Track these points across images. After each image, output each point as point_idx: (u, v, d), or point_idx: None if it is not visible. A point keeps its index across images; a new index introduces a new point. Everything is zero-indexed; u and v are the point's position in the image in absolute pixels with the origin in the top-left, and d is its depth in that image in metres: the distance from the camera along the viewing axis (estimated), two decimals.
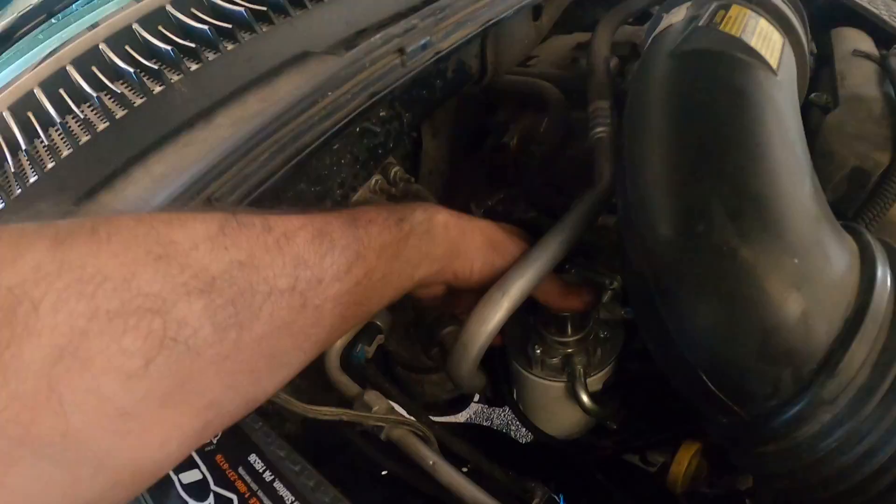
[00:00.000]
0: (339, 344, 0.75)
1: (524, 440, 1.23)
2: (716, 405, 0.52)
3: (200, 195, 0.59)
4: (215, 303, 0.39)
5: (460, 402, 1.25)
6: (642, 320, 0.54)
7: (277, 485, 0.50)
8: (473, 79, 0.87)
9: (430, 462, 0.62)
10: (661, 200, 0.50)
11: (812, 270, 0.48)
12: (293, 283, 0.45)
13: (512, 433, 2.08)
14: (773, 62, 0.59)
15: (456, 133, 1.01)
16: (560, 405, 0.76)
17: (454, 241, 0.61)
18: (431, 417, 1.16)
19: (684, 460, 0.60)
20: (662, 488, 0.82)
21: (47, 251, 0.34)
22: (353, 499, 0.57)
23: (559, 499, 1.12)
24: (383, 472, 0.80)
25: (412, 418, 0.66)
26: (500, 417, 2.35)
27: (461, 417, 1.67)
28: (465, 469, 0.80)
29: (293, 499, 0.49)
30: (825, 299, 0.48)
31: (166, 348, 0.36)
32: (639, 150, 0.54)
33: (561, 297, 0.69)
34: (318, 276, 0.47)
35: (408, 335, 0.87)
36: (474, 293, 0.62)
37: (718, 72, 0.56)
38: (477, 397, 1.26)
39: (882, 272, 0.50)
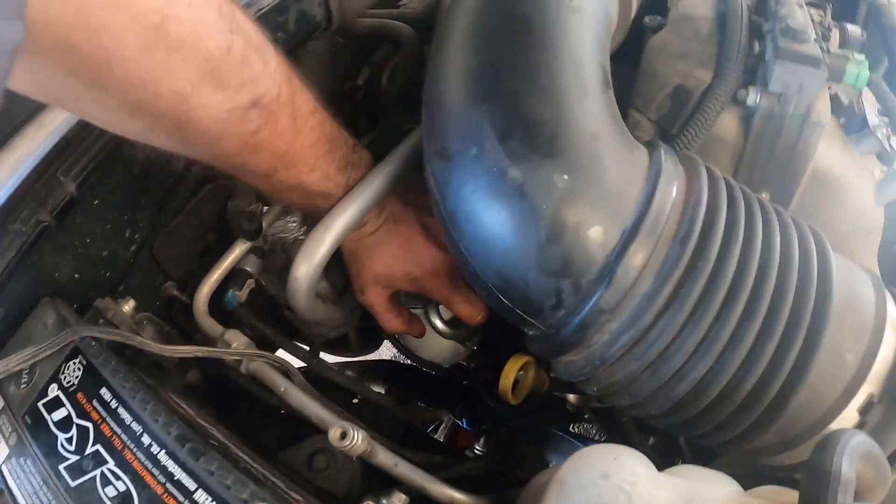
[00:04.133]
0: (207, 290, 0.77)
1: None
2: (516, 319, 0.55)
3: None
4: None
5: (372, 342, 1.29)
6: (447, 244, 0.56)
7: (121, 410, 0.58)
8: (321, 27, 0.86)
9: (282, 388, 0.65)
10: (444, 125, 0.53)
11: (584, 186, 0.51)
12: None
13: None
14: None
15: (334, 77, 1.01)
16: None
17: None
18: (356, 358, 1.20)
19: (511, 373, 0.64)
20: (558, 404, 0.86)
21: None
22: (253, 436, 0.64)
23: (462, 422, 1.18)
24: (282, 412, 0.83)
25: (265, 352, 0.69)
26: None
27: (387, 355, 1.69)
28: (355, 401, 0.84)
29: (132, 419, 0.57)
30: (599, 213, 0.51)
31: None
32: (433, 78, 0.56)
33: None
34: None
35: (282, 277, 0.89)
36: None
37: (507, 1, 0.58)
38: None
39: (664, 185, 0.53)
